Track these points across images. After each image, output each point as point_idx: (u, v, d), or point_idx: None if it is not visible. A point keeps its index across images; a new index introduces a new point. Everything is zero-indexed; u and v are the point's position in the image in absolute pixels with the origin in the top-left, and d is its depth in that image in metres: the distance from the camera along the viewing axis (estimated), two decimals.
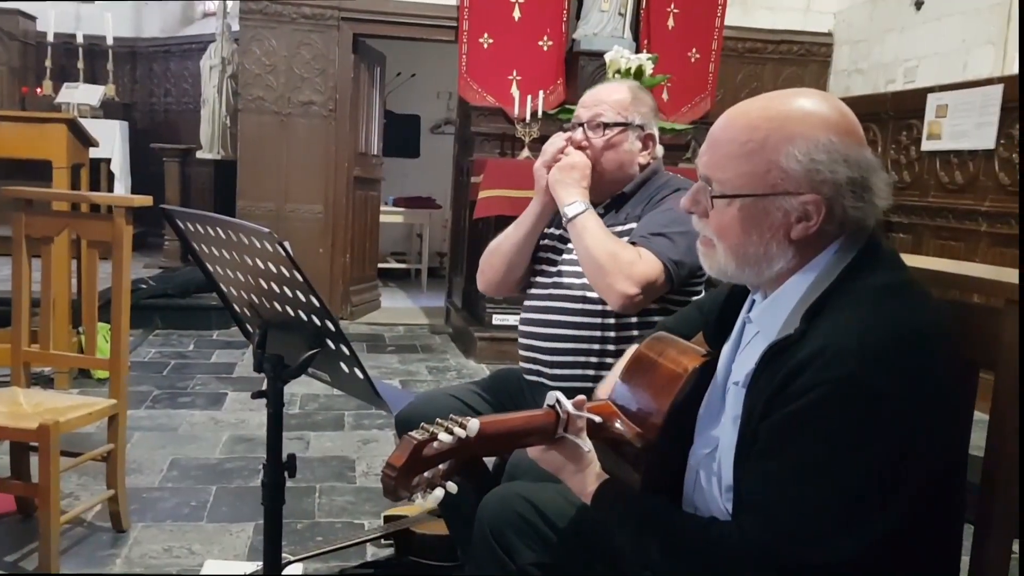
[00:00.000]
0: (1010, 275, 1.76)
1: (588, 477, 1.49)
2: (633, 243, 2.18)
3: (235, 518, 2.96)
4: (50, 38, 7.80)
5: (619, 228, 2.26)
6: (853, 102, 5.68)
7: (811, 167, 1.33)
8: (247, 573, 2.50)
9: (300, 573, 2.59)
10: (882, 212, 1.39)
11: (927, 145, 5.54)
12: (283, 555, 2.06)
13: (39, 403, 2.59)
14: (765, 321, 1.44)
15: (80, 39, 8.08)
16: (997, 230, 4.92)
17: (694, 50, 6.20)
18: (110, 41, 8.01)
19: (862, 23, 6.57)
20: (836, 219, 1.36)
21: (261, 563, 1.93)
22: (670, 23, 6.12)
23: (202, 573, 2.60)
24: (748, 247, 1.40)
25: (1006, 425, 1.53)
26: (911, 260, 1.78)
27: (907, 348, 1.28)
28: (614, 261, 2.11)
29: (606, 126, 2.29)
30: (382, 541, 2.80)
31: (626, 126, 2.29)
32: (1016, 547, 1.55)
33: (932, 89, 5.53)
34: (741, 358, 1.50)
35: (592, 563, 1.63)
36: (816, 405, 1.25)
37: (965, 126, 5.21)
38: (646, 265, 2.12)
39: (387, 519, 2.86)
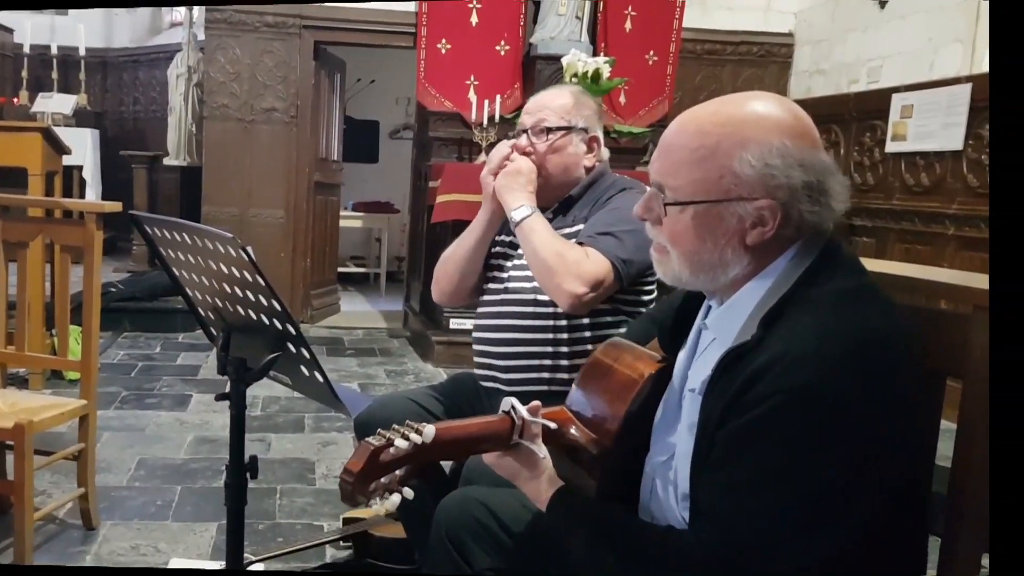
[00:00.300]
0: (979, 280, 1.68)
1: (543, 483, 1.46)
2: (581, 243, 2.17)
3: (199, 518, 3.00)
4: (26, 49, 7.88)
5: (567, 230, 2.26)
6: (814, 103, 5.92)
7: (765, 172, 1.30)
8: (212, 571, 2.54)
9: (262, 571, 2.62)
10: (840, 215, 1.36)
11: (892, 146, 5.40)
12: (245, 555, 2.07)
13: (14, 403, 2.62)
14: (721, 327, 1.41)
15: (55, 50, 8.12)
16: (965, 233, 4.76)
17: (652, 52, 6.13)
18: (83, 52, 8.05)
19: (824, 23, 6.44)
20: (792, 224, 1.33)
21: (224, 562, 1.94)
22: (627, 26, 6.07)
23: (169, 567, 2.66)
24: (702, 254, 1.37)
25: (975, 434, 1.46)
26: (875, 265, 1.72)
27: (867, 354, 1.24)
28: (561, 261, 2.11)
29: (549, 131, 2.28)
30: (341, 543, 2.82)
31: (569, 130, 2.28)
32: (985, 561, 1.44)
33: (897, 89, 5.38)
34: (697, 365, 1.46)
35: (548, 569, 1.60)
36: (774, 413, 1.22)
37: (932, 127, 5.06)
38: (593, 264, 2.11)
39: (346, 521, 2.88)
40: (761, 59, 6.79)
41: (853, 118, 5.82)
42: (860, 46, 6.00)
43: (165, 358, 5.17)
